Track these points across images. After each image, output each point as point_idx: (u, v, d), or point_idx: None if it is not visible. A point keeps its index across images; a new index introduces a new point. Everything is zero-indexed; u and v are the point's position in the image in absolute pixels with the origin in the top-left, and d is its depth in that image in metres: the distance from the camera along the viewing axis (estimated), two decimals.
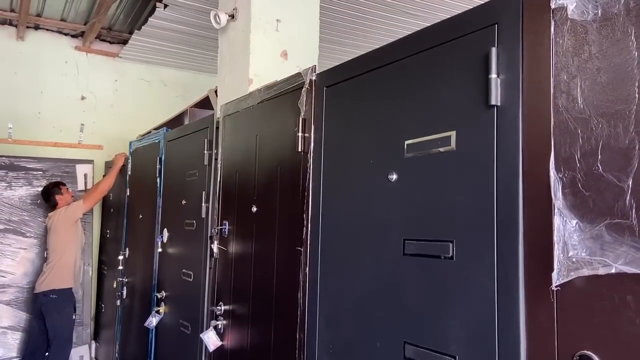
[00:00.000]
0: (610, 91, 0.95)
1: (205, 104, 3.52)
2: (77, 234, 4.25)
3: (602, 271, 0.94)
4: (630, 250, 0.90)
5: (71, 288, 4.17)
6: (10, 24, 4.75)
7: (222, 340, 2.40)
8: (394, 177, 1.46)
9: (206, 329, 2.48)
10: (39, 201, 4.59)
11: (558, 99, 1.04)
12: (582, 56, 1.00)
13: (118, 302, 4.06)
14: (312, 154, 1.84)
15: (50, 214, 4.25)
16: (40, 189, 4.55)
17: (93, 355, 4.81)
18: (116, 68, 5.21)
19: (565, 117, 1.02)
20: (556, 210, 1.02)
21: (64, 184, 4.41)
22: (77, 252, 4.27)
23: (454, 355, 1.23)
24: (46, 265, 4.14)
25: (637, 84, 0.91)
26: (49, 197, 4.30)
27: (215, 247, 2.51)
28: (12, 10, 4.50)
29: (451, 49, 1.30)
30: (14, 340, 4.40)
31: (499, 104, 1.17)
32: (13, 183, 4.54)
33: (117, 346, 4.03)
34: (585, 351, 0.96)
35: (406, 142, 1.43)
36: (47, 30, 4.92)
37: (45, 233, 4.33)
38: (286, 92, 2.03)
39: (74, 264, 4.20)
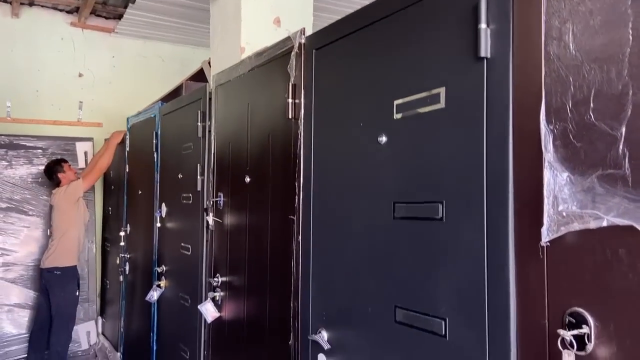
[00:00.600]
0: (602, 34, 0.90)
1: (201, 76, 3.46)
2: (80, 212, 4.25)
3: (593, 225, 0.89)
4: (623, 201, 0.86)
5: (75, 266, 4.19)
6: (5, 1, 4.68)
7: (219, 311, 2.39)
8: (384, 139, 1.41)
9: (204, 301, 2.47)
10: (40, 179, 4.59)
11: (549, 47, 0.98)
12: None
13: (121, 278, 4.08)
14: (302, 121, 1.79)
15: (53, 192, 4.25)
16: (41, 167, 4.54)
17: (100, 330, 4.87)
18: (113, 44, 5.14)
19: (556, 65, 0.97)
20: (546, 164, 0.97)
21: (66, 161, 4.39)
22: (81, 230, 4.28)
23: (444, 317, 1.20)
24: (51, 241, 4.16)
25: (630, 25, 0.86)
26: (51, 175, 4.28)
27: (210, 219, 2.49)
28: None
29: (439, 1, 1.24)
30: (21, 317, 4.45)
31: (488, 55, 1.11)
32: (13, 162, 4.53)
33: (122, 321, 4.06)
34: (576, 308, 0.93)
35: (395, 102, 1.37)
36: (42, 6, 4.84)
37: (50, 210, 4.32)
38: (276, 58, 1.97)
39: (77, 242, 4.21)
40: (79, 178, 4.26)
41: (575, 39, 0.94)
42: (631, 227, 0.84)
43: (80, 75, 5.02)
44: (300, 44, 1.80)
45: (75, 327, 4.31)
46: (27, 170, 4.58)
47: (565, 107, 0.95)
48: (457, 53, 1.19)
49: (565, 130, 0.95)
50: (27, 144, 4.60)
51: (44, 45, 4.88)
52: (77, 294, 4.24)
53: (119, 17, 4.87)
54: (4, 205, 4.48)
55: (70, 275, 4.12)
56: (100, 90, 5.07)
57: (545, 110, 0.98)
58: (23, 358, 4.33)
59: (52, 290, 4.04)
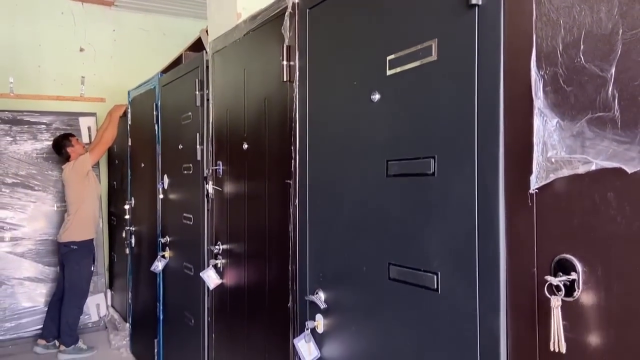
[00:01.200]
0: None
1: (199, 47, 3.42)
2: (91, 185, 4.27)
3: (582, 169, 0.88)
4: (612, 144, 0.84)
5: (92, 239, 4.24)
6: None
7: (221, 278, 2.41)
8: (377, 96, 1.39)
9: (206, 268, 2.49)
10: (44, 154, 4.61)
11: None
12: None
13: (128, 251, 4.12)
14: (297, 83, 1.77)
15: (63, 167, 4.27)
16: (46, 142, 4.57)
17: (109, 302, 4.95)
18: (113, 18, 5.10)
19: (547, 8, 0.94)
20: (536, 111, 0.95)
21: (73, 135, 4.40)
22: (94, 202, 4.31)
23: (436, 271, 1.19)
24: (67, 216, 4.21)
25: None
26: (60, 150, 4.29)
27: (210, 188, 2.49)
28: None
29: None
30: (32, 290, 4.53)
31: (480, 3, 1.08)
32: (18, 137, 4.56)
33: (130, 292, 4.12)
34: (565, 254, 0.92)
35: (388, 58, 1.35)
36: None
37: (62, 186, 4.35)
38: (270, 20, 1.94)
39: (92, 215, 4.25)
40: (87, 152, 4.27)
41: None
42: (620, 170, 0.83)
43: (81, 50, 5.00)
44: (293, 3, 1.77)
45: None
46: (31, 145, 4.60)
47: (555, 51, 0.93)
48: (448, 3, 1.16)
49: (555, 75, 0.93)
50: (31, 120, 4.62)
51: (45, 20, 4.85)
52: (92, 269, 4.30)
53: None
54: (10, 181, 4.52)
55: (86, 250, 4.17)
56: (101, 64, 5.05)
57: (536, 55, 0.96)
58: (35, 330, 4.43)
59: (68, 264, 4.11)
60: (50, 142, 4.52)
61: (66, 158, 4.27)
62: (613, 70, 0.84)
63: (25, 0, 4.77)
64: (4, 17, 4.70)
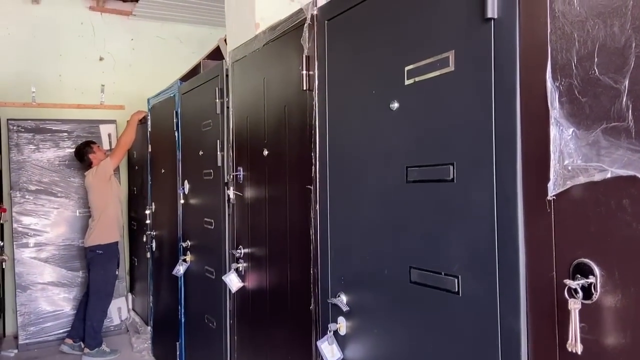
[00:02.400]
0: None
1: (217, 55, 3.50)
2: (114, 189, 4.38)
3: (597, 177, 0.92)
4: (627, 153, 0.88)
5: (117, 242, 4.35)
6: None
7: (243, 281, 2.47)
8: (396, 105, 1.44)
9: (228, 272, 2.55)
10: (67, 162, 4.73)
11: (554, 4, 0.99)
12: None
13: (148, 255, 4.21)
14: (316, 91, 1.82)
15: (86, 173, 4.38)
16: (67, 150, 4.68)
17: (130, 306, 5.05)
18: (131, 27, 5.21)
19: (561, 22, 0.98)
20: (552, 120, 0.99)
21: (94, 142, 4.52)
22: (117, 206, 4.42)
23: (457, 275, 1.24)
24: (92, 221, 4.32)
25: None
26: (82, 157, 4.40)
27: (231, 193, 2.55)
28: None
29: None
30: (55, 294, 4.65)
31: (495, 16, 1.12)
32: (40, 145, 4.68)
33: (151, 296, 4.21)
34: (583, 259, 0.96)
35: (406, 69, 1.39)
36: None
37: (86, 192, 4.46)
38: (289, 31, 2.00)
39: (116, 218, 4.36)
40: (108, 157, 4.38)
41: None
42: (634, 177, 0.86)
43: (101, 59, 5.12)
44: (312, 15, 1.82)
45: None
46: (54, 153, 4.72)
47: (570, 63, 0.97)
48: (465, 15, 1.20)
49: (570, 86, 0.97)
50: (53, 128, 4.74)
51: (65, 30, 4.98)
52: (117, 272, 4.41)
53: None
54: (33, 188, 4.64)
55: (111, 254, 4.28)
56: (120, 73, 5.16)
57: (551, 67, 1.00)
58: (59, 334, 4.54)
59: (93, 268, 4.22)
60: (72, 150, 4.64)
61: (88, 165, 4.37)
62: (627, 82, 0.87)
63: (46, 11, 4.90)
64: (25, 28, 4.83)
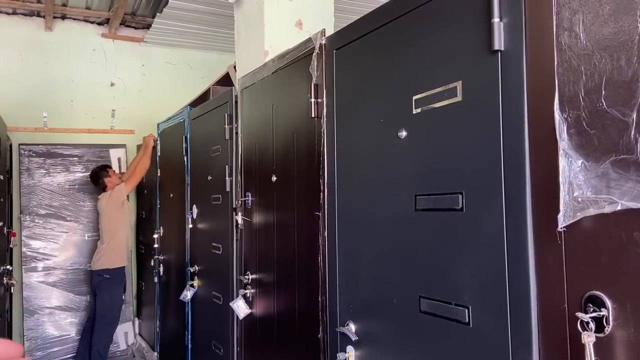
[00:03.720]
0: (612, 23, 0.92)
1: (227, 81, 3.55)
2: (125, 214, 4.41)
3: (608, 209, 0.91)
4: (636, 185, 0.88)
5: (124, 267, 4.35)
6: (38, 15, 4.89)
7: (251, 308, 2.46)
8: (404, 134, 1.45)
9: (236, 298, 2.54)
10: (77, 186, 4.77)
11: (561, 37, 1.01)
12: None
13: (156, 279, 4.20)
14: (325, 119, 1.84)
15: (99, 196, 4.42)
16: (77, 174, 4.73)
17: (137, 331, 5.02)
18: (142, 53, 5.30)
19: (568, 55, 0.99)
20: (561, 152, 0.99)
21: (110, 167, 4.56)
22: (128, 231, 4.45)
23: (467, 305, 1.23)
24: (100, 244, 4.33)
25: (639, 13, 0.87)
26: (97, 180, 4.44)
27: (239, 218, 2.56)
28: (38, 1, 4.62)
29: None
30: (62, 319, 4.64)
31: (502, 48, 1.14)
32: (51, 170, 4.73)
33: (158, 321, 4.19)
34: (594, 291, 0.95)
35: (414, 98, 1.41)
36: (74, 19, 5.04)
37: (97, 215, 4.49)
38: (298, 59, 2.03)
39: (125, 243, 4.38)
40: (123, 182, 4.41)
41: (585, 28, 0.96)
42: None
43: (112, 84, 5.20)
44: (320, 44, 1.85)
45: None
46: (64, 177, 4.76)
47: (577, 95, 0.97)
48: (472, 47, 1.22)
49: (578, 118, 0.97)
50: (64, 152, 4.79)
51: (77, 56, 5.07)
52: (123, 297, 4.40)
53: (148, 26, 5.03)
54: (43, 212, 4.67)
55: (118, 278, 4.28)
56: (131, 98, 5.23)
57: (559, 99, 1.01)
58: (66, 358, 4.52)
59: (100, 293, 4.22)
60: (82, 174, 4.69)
61: (102, 188, 4.41)
62: (634, 115, 0.88)
63: (59, 38, 5.00)
64: (39, 55, 4.93)
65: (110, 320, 4.26)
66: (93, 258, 4.34)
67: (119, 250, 4.29)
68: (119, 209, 4.32)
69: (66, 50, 5.03)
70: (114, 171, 4.55)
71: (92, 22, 5.12)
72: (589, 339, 0.92)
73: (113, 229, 4.29)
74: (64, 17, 4.99)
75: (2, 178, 3.92)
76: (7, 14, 4.82)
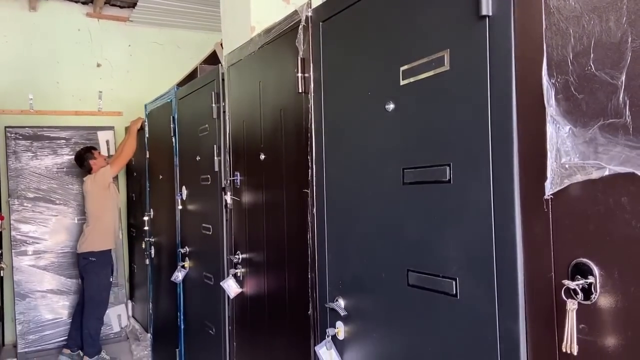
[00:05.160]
0: None
1: (214, 59, 3.49)
2: (112, 197, 4.36)
3: (595, 175, 0.90)
4: (624, 149, 0.86)
5: (110, 250, 4.32)
6: None
7: (241, 287, 2.45)
8: (391, 106, 1.42)
9: (226, 278, 2.53)
10: (65, 169, 4.72)
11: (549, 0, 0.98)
12: None
13: (147, 262, 4.19)
14: (312, 94, 1.81)
15: (85, 179, 4.36)
16: (66, 157, 4.67)
17: (130, 313, 5.02)
18: (128, 33, 5.20)
19: (557, 18, 0.97)
20: (549, 118, 0.97)
21: (95, 149, 4.50)
22: (114, 214, 4.40)
23: (454, 277, 1.22)
24: (86, 227, 4.29)
25: None
26: (83, 162, 4.38)
27: (228, 198, 2.54)
28: None
29: None
30: (54, 302, 4.62)
31: (490, 13, 1.11)
32: (38, 153, 4.67)
33: (151, 303, 4.18)
34: (582, 259, 0.94)
35: (401, 69, 1.38)
36: None
37: (83, 197, 4.44)
38: (284, 33, 1.98)
39: (112, 226, 4.34)
40: (108, 164, 4.36)
41: None
42: (632, 175, 0.84)
43: (98, 65, 5.11)
44: (307, 17, 1.81)
45: (107, 311, 4.45)
46: (52, 160, 4.70)
47: (566, 59, 0.95)
48: (459, 14, 1.19)
49: (566, 83, 0.95)
50: (51, 135, 4.73)
51: (62, 37, 4.97)
52: (111, 279, 4.38)
53: (133, 5, 4.93)
54: (32, 195, 4.62)
55: (104, 261, 4.25)
56: (118, 79, 5.15)
57: (547, 64, 0.98)
58: (59, 342, 4.51)
59: (87, 276, 4.20)
60: (70, 157, 4.63)
61: (88, 170, 4.36)
62: (623, 77, 0.86)
63: (43, 18, 4.90)
64: (22, 36, 4.82)
65: (98, 302, 4.24)
66: (79, 240, 4.31)
67: (105, 233, 4.25)
68: (105, 191, 4.27)
69: (51, 30, 4.93)
70: (99, 153, 4.48)
71: (76, 2, 5.01)
72: (572, 306, 0.91)
73: (99, 211, 4.25)
74: None
75: None
76: None
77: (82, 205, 4.63)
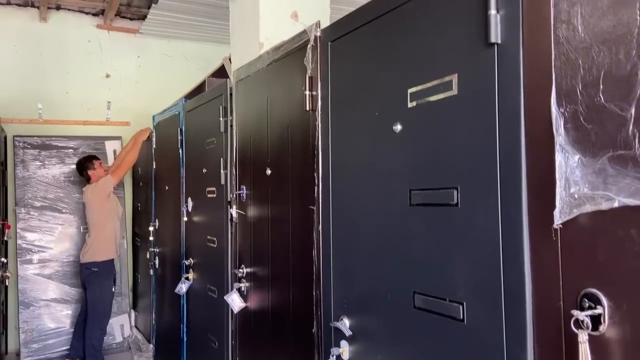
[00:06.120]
0: (611, 16, 0.90)
1: (222, 73, 3.52)
2: (112, 206, 4.37)
3: (605, 206, 0.90)
4: (634, 181, 0.86)
5: (112, 259, 4.32)
6: (33, 5, 4.83)
7: (245, 301, 2.45)
8: (399, 127, 1.43)
9: (230, 292, 2.53)
10: (72, 178, 4.74)
11: (558, 30, 0.98)
12: None
13: (151, 272, 4.19)
14: (319, 112, 1.82)
15: (84, 189, 4.37)
16: (72, 166, 4.69)
17: (133, 323, 5.01)
18: (138, 44, 5.25)
19: (566, 48, 0.97)
20: (558, 147, 0.98)
21: (97, 158, 4.50)
22: (116, 223, 4.40)
23: (462, 301, 1.21)
24: (88, 237, 4.28)
25: (638, 6, 0.85)
26: (82, 171, 4.40)
27: (234, 211, 2.54)
28: None
29: None
30: (58, 311, 4.62)
31: (499, 41, 1.12)
32: (46, 162, 4.69)
33: (153, 313, 4.18)
34: (590, 289, 0.93)
35: (409, 91, 1.39)
36: (69, 10, 4.98)
37: (83, 207, 4.45)
38: (293, 52, 2.00)
39: (114, 236, 4.33)
40: (109, 174, 4.37)
41: (583, 21, 0.94)
42: None
43: (107, 76, 5.16)
44: (315, 37, 1.82)
45: (109, 321, 4.45)
46: (59, 169, 4.73)
47: (575, 89, 0.95)
48: (468, 40, 1.20)
49: (575, 112, 0.95)
50: (59, 144, 4.76)
51: (72, 47, 5.02)
52: (113, 290, 4.38)
53: (143, 17, 4.98)
54: (38, 204, 4.65)
55: (107, 270, 4.25)
56: (126, 89, 5.19)
57: (556, 93, 0.99)
58: (62, 351, 4.51)
59: (90, 286, 4.19)
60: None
61: (87, 180, 4.37)
62: (633, 110, 0.86)
63: (54, 29, 4.95)
64: (33, 46, 4.87)
65: (101, 313, 4.24)
66: (82, 250, 4.30)
67: (107, 243, 4.26)
68: (105, 200, 4.27)
69: (61, 41, 4.97)
70: (101, 163, 4.46)
71: (87, 13, 5.06)
72: (584, 337, 0.91)
73: (100, 221, 4.24)
74: (58, 8, 4.93)
75: None
76: (2, 4, 4.77)
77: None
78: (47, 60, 4.92)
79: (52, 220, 4.68)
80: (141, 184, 4.85)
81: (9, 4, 4.79)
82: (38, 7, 4.79)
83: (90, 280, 4.18)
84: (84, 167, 4.38)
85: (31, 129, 4.79)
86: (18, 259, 4.54)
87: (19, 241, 4.55)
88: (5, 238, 4.36)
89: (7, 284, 4.40)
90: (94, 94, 5.08)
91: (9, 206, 4.63)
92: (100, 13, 5.05)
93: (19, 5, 4.81)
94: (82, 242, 4.60)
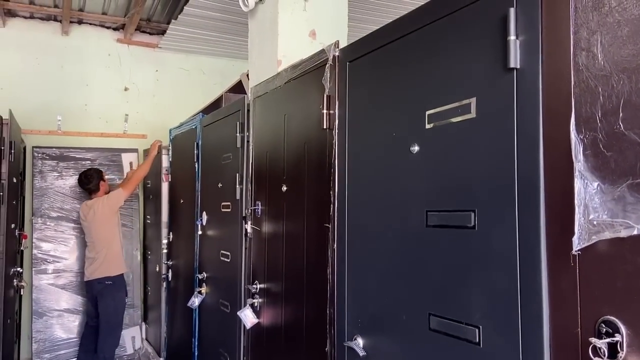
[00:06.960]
0: (630, 45, 0.91)
1: (239, 88, 3.57)
2: (118, 220, 4.40)
3: (624, 233, 0.90)
4: None
5: (123, 273, 4.33)
6: (55, 19, 4.94)
7: (258, 317, 2.45)
8: (416, 148, 1.44)
9: (243, 307, 2.54)
10: None
11: (578, 57, 1.00)
12: (602, 10, 0.95)
13: (164, 285, 4.20)
14: (337, 131, 1.84)
15: (89, 203, 4.28)
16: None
17: (144, 335, 5.02)
18: (156, 58, 5.34)
19: (585, 76, 0.98)
20: (577, 173, 0.98)
21: (103, 178, 4.47)
22: (121, 237, 4.43)
23: (478, 325, 1.21)
24: (96, 253, 4.18)
25: None
26: (91, 183, 4.32)
27: (249, 227, 2.56)
28: (55, 6, 4.68)
29: (468, 13, 1.27)
30: (70, 322, 4.65)
31: (518, 66, 1.13)
32: (64, 173, 4.76)
33: (164, 326, 4.19)
34: (609, 316, 0.93)
35: (427, 113, 1.40)
36: (90, 24, 5.09)
37: (85, 224, 4.30)
38: (311, 70, 2.03)
39: (122, 250, 4.36)
40: (108, 192, 4.36)
41: (603, 49, 0.95)
42: None
43: (126, 89, 5.24)
44: (334, 56, 1.85)
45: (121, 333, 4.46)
46: (76, 180, 4.79)
47: (594, 117, 0.96)
48: (487, 64, 1.21)
49: (595, 139, 0.96)
50: (77, 156, 4.83)
51: (92, 61, 5.12)
52: (126, 302, 4.39)
53: (162, 32, 5.07)
54: (55, 215, 4.70)
55: (120, 283, 4.25)
56: (144, 103, 5.27)
57: (575, 120, 0.99)
58: None
59: (103, 299, 4.14)
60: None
61: (89, 192, 4.35)
62: None
63: (75, 42, 5.06)
64: (54, 59, 4.98)
65: (115, 324, 4.24)
66: (88, 268, 4.22)
67: (118, 257, 4.25)
68: (114, 215, 4.28)
69: (82, 54, 5.08)
70: (106, 181, 4.48)
71: (107, 27, 5.17)
72: None
73: (109, 236, 4.21)
74: (80, 22, 5.05)
75: (15, 180, 3.96)
76: (25, 17, 4.89)
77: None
78: (67, 73, 5.02)
79: (68, 231, 4.73)
80: (151, 196, 4.89)
81: (32, 17, 4.91)
82: (60, 21, 4.90)
83: (104, 294, 4.16)
84: (96, 178, 4.35)
85: (50, 140, 4.87)
86: (33, 269, 4.59)
87: (34, 251, 4.60)
88: (21, 247, 4.41)
89: (21, 293, 4.44)
90: (112, 107, 5.16)
91: (26, 216, 4.69)
92: (121, 27, 5.15)
93: (41, 18, 4.93)
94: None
